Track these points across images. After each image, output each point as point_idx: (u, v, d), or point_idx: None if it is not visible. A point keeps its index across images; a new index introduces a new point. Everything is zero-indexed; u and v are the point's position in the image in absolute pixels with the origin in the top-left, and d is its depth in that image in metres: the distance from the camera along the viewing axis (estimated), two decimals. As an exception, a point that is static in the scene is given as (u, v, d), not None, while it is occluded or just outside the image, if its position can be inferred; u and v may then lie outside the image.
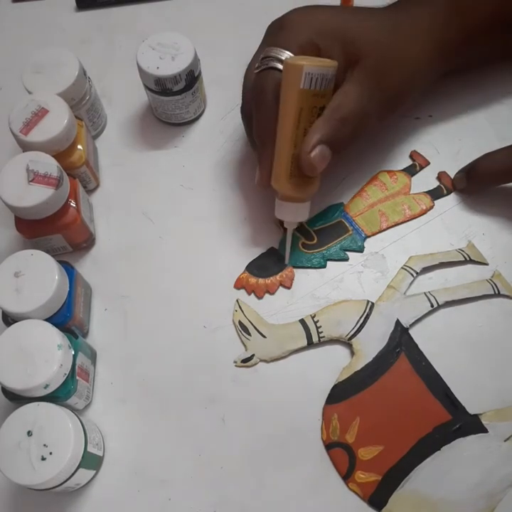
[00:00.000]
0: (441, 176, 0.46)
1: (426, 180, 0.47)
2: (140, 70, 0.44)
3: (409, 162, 0.47)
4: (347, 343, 0.41)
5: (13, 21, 0.56)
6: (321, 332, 0.41)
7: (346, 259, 0.44)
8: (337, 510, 0.37)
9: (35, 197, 0.38)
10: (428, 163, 0.47)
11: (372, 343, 0.40)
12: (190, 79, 0.45)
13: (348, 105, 0.38)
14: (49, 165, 0.39)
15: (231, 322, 0.42)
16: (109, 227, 0.46)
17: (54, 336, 0.35)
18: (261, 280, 0.43)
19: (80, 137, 0.44)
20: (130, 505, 0.38)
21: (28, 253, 0.38)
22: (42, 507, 0.38)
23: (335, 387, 0.40)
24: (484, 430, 0.38)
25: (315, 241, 0.45)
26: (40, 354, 0.34)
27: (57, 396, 0.36)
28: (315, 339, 0.41)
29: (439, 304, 0.41)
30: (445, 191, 0.46)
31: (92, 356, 0.41)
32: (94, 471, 0.38)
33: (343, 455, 0.38)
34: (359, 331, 0.41)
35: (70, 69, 0.44)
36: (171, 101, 0.46)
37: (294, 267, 0.44)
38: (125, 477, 0.39)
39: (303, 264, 0.44)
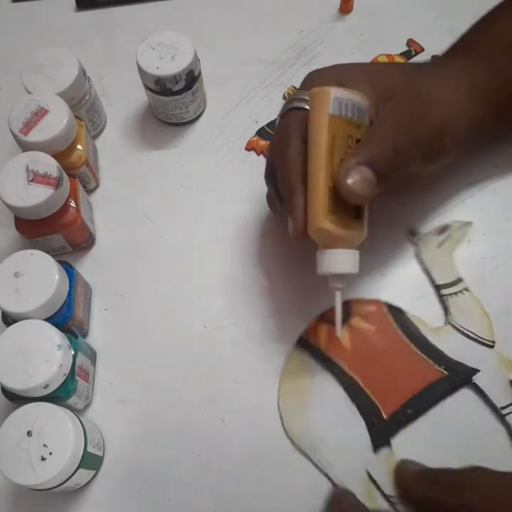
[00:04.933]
0: (433, 58, 0.49)
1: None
2: (140, 69, 0.44)
3: (406, 48, 0.52)
4: None
5: (13, 21, 0.56)
6: None
7: None
8: (337, 510, 0.37)
9: (35, 197, 0.38)
10: (422, 50, 0.52)
11: None
12: (190, 79, 0.45)
13: (385, 128, 0.35)
14: (49, 165, 0.39)
15: (231, 322, 0.42)
16: (109, 227, 0.46)
17: (54, 336, 0.35)
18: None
19: (80, 137, 0.44)
20: (130, 505, 0.38)
21: (28, 253, 0.38)
22: (42, 507, 0.38)
23: None
24: None
25: None
26: (40, 354, 0.34)
27: (57, 396, 0.36)
28: None
29: None
30: None
31: (92, 356, 0.41)
32: (94, 471, 0.38)
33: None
34: None
35: (70, 69, 0.44)
36: (171, 101, 0.46)
37: None
38: (125, 477, 0.39)
39: None
